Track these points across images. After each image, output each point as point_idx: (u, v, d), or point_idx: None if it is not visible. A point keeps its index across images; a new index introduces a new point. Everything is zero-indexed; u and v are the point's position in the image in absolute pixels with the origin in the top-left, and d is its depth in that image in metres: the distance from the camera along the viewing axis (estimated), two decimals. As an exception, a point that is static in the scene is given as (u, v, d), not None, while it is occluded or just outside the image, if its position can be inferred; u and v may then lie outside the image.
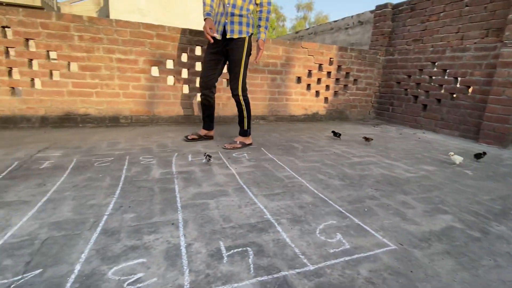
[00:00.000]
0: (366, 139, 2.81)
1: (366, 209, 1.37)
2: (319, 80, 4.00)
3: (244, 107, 2.46)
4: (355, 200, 1.47)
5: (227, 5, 2.25)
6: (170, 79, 3.30)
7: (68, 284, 0.79)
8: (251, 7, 2.34)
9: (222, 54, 2.40)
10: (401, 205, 1.45)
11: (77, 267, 0.86)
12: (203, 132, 2.63)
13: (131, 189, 1.47)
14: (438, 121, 3.62)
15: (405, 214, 1.36)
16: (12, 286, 0.77)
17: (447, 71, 3.54)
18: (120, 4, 10.20)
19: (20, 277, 0.81)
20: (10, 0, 16.23)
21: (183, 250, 0.97)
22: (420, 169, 2.08)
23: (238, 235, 1.08)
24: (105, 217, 1.17)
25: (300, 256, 0.97)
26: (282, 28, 34.00)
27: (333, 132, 2.96)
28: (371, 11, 4.75)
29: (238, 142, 2.46)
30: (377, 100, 4.53)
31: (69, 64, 2.82)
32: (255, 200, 1.41)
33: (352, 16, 5.29)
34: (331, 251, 1.01)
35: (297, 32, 7.50)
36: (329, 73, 4.03)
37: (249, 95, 3.58)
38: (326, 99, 4.13)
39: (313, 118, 4.11)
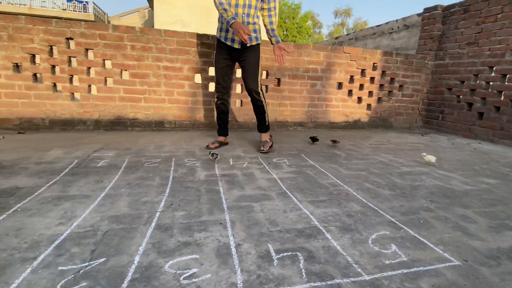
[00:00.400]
0: (334, 141, 2.80)
1: (421, 221, 1.29)
2: (361, 86, 3.89)
3: (264, 102, 2.50)
4: (408, 211, 1.39)
5: (243, 15, 2.30)
6: (212, 86, 3.42)
7: (130, 274, 0.84)
8: (259, 13, 2.42)
9: (233, 59, 2.47)
10: (461, 218, 1.34)
11: (136, 258, 0.91)
12: (221, 138, 2.66)
13: (179, 188, 1.54)
14: (497, 130, 3.30)
15: (466, 228, 1.25)
16: (81, 271, 0.84)
17: (507, 76, 3.24)
18: (164, 16, 10.90)
19: (87, 263, 0.88)
20: (68, 16, 18.18)
21: (233, 250, 0.99)
22: (479, 181, 1.91)
23: (286, 239, 1.07)
24: (158, 213, 1.23)
25: (354, 265, 0.94)
26: (319, 35, 33.77)
27: (311, 137, 2.89)
28: (419, 14, 4.53)
29: (268, 140, 2.51)
30: (425, 107, 4.27)
31: (121, 72, 3.07)
32: (300, 205, 1.39)
33: (397, 20, 5.09)
34: (387, 262, 0.96)
35: (336, 38, 7.39)
36: (372, 79, 3.90)
37: (288, 101, 3.63)
38: (369, 105, 3.99)
39: (354, 125, 3.99)
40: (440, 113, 4.05)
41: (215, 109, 2.68)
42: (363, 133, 3.67)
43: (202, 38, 3.16)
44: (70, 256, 0.91)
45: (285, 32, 25.22)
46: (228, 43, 2.38)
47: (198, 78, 3.31)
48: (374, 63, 3.85)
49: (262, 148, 2.46)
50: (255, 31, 2.37)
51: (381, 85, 3.97)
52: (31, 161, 1.91)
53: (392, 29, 5.17)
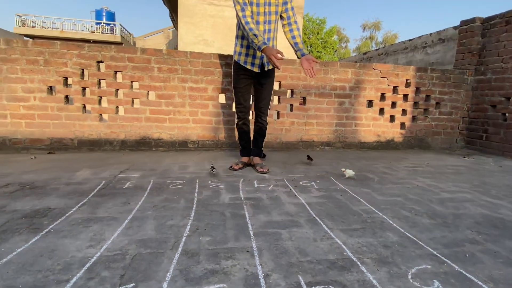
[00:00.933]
0: (308, 157, 2.84)
1: (467, 255, 1.23)
2: (394, 104, 3.83)
3: (265, 130, 2.69)
4: (451, 243, 1.33)
5: (264, 31, 2.39)
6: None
7: (158, 301, 0.87)
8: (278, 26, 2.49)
9: (252, 78, 2.56)
10: (515, 254, 1.26)
11: (164, 285, 0.95)
12: (245, 159, 2.72)
13: (204, 212, 1.58)
14: (554, 152, 3.09)
15: (522, 266, 1.17)
16: (111, 296, 0.89)
17: None
18: (188, 36, 11.53)
19: (117, 288, 0.92)
20: (96, 38, 19.72)
21: (262, 280, 0.99)
22: (535, 211, 1.79)
23: (317, 271, 1.07)
24: (184, 238, 1.27)
25: (392, 302, 0.91)
26: (345, 50, 33.88)
27: (308, 156, 2.89)
28: (455, 27, 4.47)
29: (264, 164, 2.62)
30: (466, 126, 4.10)
31: (148, 93, 3.26)
32: (331, 234, 1.38)
33: (431, 34, 5.04)
34: (430, 301, 0.93)
35: (364, 54, 7.40)
36: (405, 96, 3.84)
37: (314, 120, 3.65)
38: (402, 124, 3.91)
39: (387, 145, 3.90)
40: (483, 132, 3.87)
41: (236, 129, 2.77)
42: (397, 154, 3.57)
43: (226, 59, 3.31)
44: (100, 280, 0.96)
45: (309, 48, 25.59)
46: (248, 67, 2.48)
47: (222, 98, 3.44)
48: (407, 80, 3.80)
49: (262, 170, 2.51)
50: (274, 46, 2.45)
51: (416, 103, 3.89)
52: (62, 181, 2.06)
53: (426, 43, 5.12)
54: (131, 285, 0.94)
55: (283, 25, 2.50)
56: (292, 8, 2.47)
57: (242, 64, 2.48)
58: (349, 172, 2.38)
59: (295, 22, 2.46)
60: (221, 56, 3.32)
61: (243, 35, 2.44)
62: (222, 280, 0.99)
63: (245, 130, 2.70)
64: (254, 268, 1.07)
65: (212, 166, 2.45)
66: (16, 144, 3.08)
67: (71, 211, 1.53)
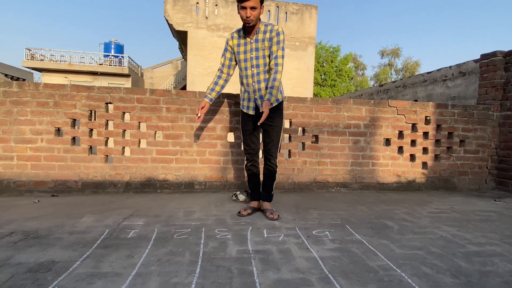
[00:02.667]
0: (235, 195, 3.14)
1: (493, 323, 1.22)
2: (413, 142, 3.89)
3: (275, 174, 2.75)
4: (476, 308, 1.33)
5: (253, 84, 2.64)
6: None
7: None
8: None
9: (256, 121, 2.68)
10: (548, 322, 1.25)
11: None
12: (254, 204, 2.78)
13: (210, 268, 1.64)
14: None
15: (555, 336, 1.16)
16: None
17: None
18: (197, 68, 12.17)
19: None
20: (104, 70, 20.90)
21: None
22: None
23: None
24: (189, 299, 1.33)
25: None
26: (362, 77, 34.60)
27: (234, 194, 3.15)
28: (475, 61, 4.62)
29: (274, 210, 2.69)
30: (495, 165, 4.09)
31: (155, 133, 3.45)
32: (344, 294, 1.40)
33: (450, 67, 5.20)
34: None
35: (381, 85, 7.61)
36: (426, 134, 3.91)
37: (327, 159, 3.73)
38: (424, 164, 3.93)
39: (408, 187, 3.90)
40: (515, 172, 3.84)
41: (245, 171, 2.88)
42: (420, 197, 3.56)
43: (235, 98, 3.51)
44: None
45: (323, 76, 26.30)
46: (244, 110, 2.76)
47: (231, 137, 3.59)
48: (426, 117, 3.89)
49: (272, 216, 2.57)
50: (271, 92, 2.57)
51: (438, 141, 3.94)
52: (65, 230, 2.16)
53: (446, 76, 5.26)
54: None
55: (269, 69, 2.63)
56: (278, 49, 2.56)
57: (241, 109, 2.79)
58: (241, 197, 2.88)
59: (276, 65, 2.54)
60: (230, 96, 3.52)
61: (241, 81, 2.75)
62: None
63: (254, 172, 2.80)
64: (261, 335, 1.10)
65: (234, 194, 2.99)
66: (20, 186, 3.25)
67: (75, 265, 1.62)
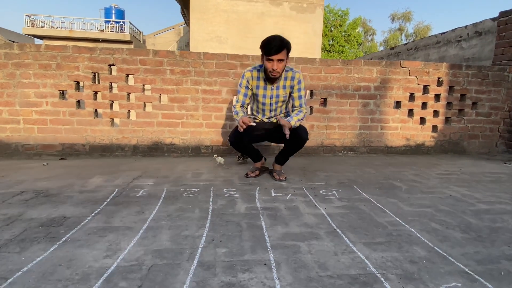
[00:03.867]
0: (239, 158, 3.12)
1: (502, 273, 1.23)
2: (424, 105, 3.80)
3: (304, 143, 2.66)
4: (485, 260, 1.33)
5: (270, 112, 2.60)
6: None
7: (176, 313, 0.94)
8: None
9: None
10: (558, 273, 1.25)
11: (182, 297, 1.02)
12: (258, 164, 2.76)
13: (219, 222, 1.65)
14: None
15: None
16: (130, 306, 0.97)
17: None
18: (200, 33, 11.77)
19: (134, 299, 1.00)
20: (106, 37, 20.43)
21: (280, 295, 1.05)
22: None
23: (338, 287, 1.11)
24: (200, 249, 1.34)
25: (417, 321, 0.94)
26: (372, 43, 33.43)
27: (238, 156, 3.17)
28: (493, 19, 4.37)
29: (282, 171, 2.66)
30: (507, 128, 3.99)
31: (160, 97, 3.39)
32: (353, 248, 1.41)
33: (466, 26, 4.94)
34: (459, 320, 0.95)
35: (392, 48, 7.33)
36: (437, 96, 3.80)
37: (335, 123, 3.67)
38: (434, 127, 3.85)
39: (417, 150, 3.86)
40: (528, 135, 3.75)
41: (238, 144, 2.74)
42: (429, 160, 3.53)
43: (242, 59, 3.40)
44: (118, 291, 1.04)
45: (331, 42, 25.45)
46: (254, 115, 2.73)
47: (237, 101, 3.52)
48: (439, 78, 3.75)
49: (278, 177, 2.56)
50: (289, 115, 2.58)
51: (449, 103, 3.84)
52: (75, 189, 2.19)
53: (461, 36, 5.02)
54: (149, 296, 1.02)
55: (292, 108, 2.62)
56: (300, 96, 2.52)
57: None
58: (219, 159, 2.87)
59: (300, 107, 2.53)
60: (236, 57, 3.40)
61: (257, 106, 2.65)
62: (239, 294, 1.05)
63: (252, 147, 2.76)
64: (271, 282, 1.12)
65: (239, 156, 3.04)
66: (29, 150, 3.28)
67: (86, 220, 1.64)
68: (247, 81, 2.50)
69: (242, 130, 2.30)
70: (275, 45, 2.23)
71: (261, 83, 2.49)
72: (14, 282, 1.08)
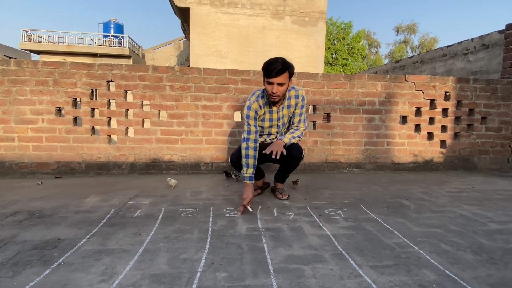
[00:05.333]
0: (294, 182, 2.92)
1: (518, 298, 1.22)
2: (431, 120, 3.82)
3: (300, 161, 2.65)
4: (498, 283, 1.32)
5: (276, 135, 2.61)
6: (253, 124, 3.65)
7: None
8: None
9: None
10: None
11: (180, 324, 1.01)
12: (260, 183, 2.78)
13: (219, 244, 1.65)
14: None
15: None
16: (125, 335, 0.96)
17: None
18: (200, 47, 12.03)
19: (130, 327, 1.00)
20: (104, 52, 20.84)
21: (283, 322, 1.04)
22: None
23: (343, 312, 1.10)
24: (199, 273, 1.34)
25: None
26: (376, 56, 33.89)
27: (225, 172, 3.18)
28: (500, 31, 4.46)
29: (285, 189, 2.69)
30: (519, 143, 4.00)
31: (159, 113, 3.44)
32: (359, 271, 1.40)
33: (472, 39, 5.03)
34: None
35: (397, 62, 7.43)
36: (445, 111, 3.83)
37: (340, 139, 3.69)
38: (443, 142, 3.87)
39: (426, 166, 3.86)
40: (541, 150, 3.75)
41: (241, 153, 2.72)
42: (438, 177, 3.52)
43: (242, 75, 3.46)
44: (114, 318, 1.04)
45: (334, 55, 25.84)
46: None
47: (237, 116, 3.56)
48: (445, 92, 3.80)
49: (281, 196, 2.57)
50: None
51: (457, 118, 3.86)
52: (70, 209, 2.20)
53: (467, 49, 5.10)
54: (145, 323, 1.02)
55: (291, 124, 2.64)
56: (301, 113, 2.56)
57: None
58: (173, 182, 2.84)
59: (298, 124, 2.56)
60: (237, 72, 3.47)
61: (261, 131, 2.61)
62: (240, 321, 1.04)
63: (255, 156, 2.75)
64: (274, 308, 1.12)
65: (230, 173, 3.12)
66: (23, 168, 3.30)
67: (81, 243, 1.64)
68: (256, 113, 2.43)
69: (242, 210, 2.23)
70: (275, 68, 2.23)
71: (267, 108, 2.47)
72: (5, 309, 1.08)
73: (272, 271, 1.38)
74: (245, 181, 2.32)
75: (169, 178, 2.89)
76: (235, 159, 2.56)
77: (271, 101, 2.40)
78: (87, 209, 2.22)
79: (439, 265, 1.47)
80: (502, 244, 1.73)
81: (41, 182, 3.02)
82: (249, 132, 2.39)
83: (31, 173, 3.32)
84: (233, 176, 3.18)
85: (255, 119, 2.42)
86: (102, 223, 1.95)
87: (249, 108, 2.40)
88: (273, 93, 2.29)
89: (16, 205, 2.28)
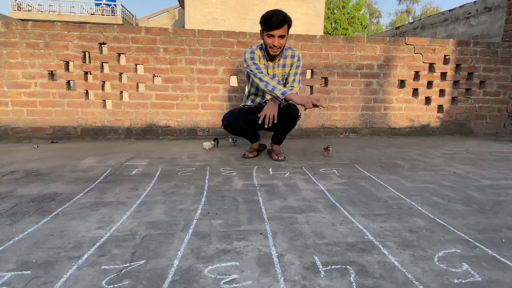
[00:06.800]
0: (325, 149, 2.74)
1: (503, 240, 1.26)
2: (429, 84, 3.79)
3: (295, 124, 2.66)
4: (487, 229, 1.36)
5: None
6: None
7: (170, 276, 0.97)
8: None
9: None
10: (560, 240, 1.28)
11: (176, 262, 1.05)
12: (256, 145, 2.78)
13: (215, 197, 1.68)
14: None
15: None
16: (123, 271, 0.99)
17: None
18: (196, 15, 11.66)
19: (128, 264, 1.03)
20: (96, 20, 20.22)
21: (275, 259, 1.08)
22: None
23: (334, 253, 1.14)
24: (195, 221, 1.37)
25: (414, 282, 0.97)
26: (377, 26, 33.11)
27: (215, 138, 3.03)
28: (504, -8, 4.32)
29: (281, 151, 2.69)
30: (516, 108, 4.00)
31: (153, 77, 3.39)
32: (351, 219, 1.44)
33: (475, 2, 4.89)
34: (455, 281, 0.98)
35: (397, 28, 7.26)
36: (444, 75, 3.79)
37: (337, 104, 3.67)
38: (440, 107, 3.86)
39: (422, 131, 3.87)
40: (538, 114, 3.76)
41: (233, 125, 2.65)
42: (434, 141, 3.54)
43: (238, 37, 3.38)
44: (111, 257, 1.07)
45: (333, 25, 25.18)
46: (249, 103, 2.71)
47: (234, 81, 3.52)
48: (445, 56, 3.74)
49: (277, 157, 2.58)
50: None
51: (456, 82, 3.83)
52: (66, 169, 2.21)
53: (469, 13, 4.97)
54: (142, 261, 1.05)
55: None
56: (296, 73, 2.51)
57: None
58: (207, 145, 2.86)
59: (292, 85, 2.52)
60: (233, 34, 3.38)
61: (256, 90, 2.61)
62: (234, 259, 1.07)
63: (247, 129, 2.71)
64: (267, 248, 1.15)
65: (215, 138, 2.97)
66: (18, 133, 3.29)
67: (78, 196, 1.67)
68: (254, 58, 2.38)
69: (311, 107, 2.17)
70: (276, 20, 2.20)
71: (262, 61, 2.45)
72: (5, 250, 1.11)
73: (266, 219, 1.42)
74: (273, 95, 2.28)
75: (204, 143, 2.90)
76: (227, 122, 2.54)
77: (269, 55, 2.40)
78: (84, 168, 2.24)
79: (430, 214, 1.51)
80: (493, 197, 1.77)
81: (37, 146, 3.02)
82: (258, 68, 2.35)
83: (26, 138, 3.31)
84: (230, 140, 3.18)
85: (255, 64, 2.37)
86: (99, 180, 1.97)
87: (252, 53, 2.38)
88: (274, 46, 2.28)
89: (13, 166, 2.29)
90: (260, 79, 2.31)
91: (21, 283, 0.93)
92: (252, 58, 2.38)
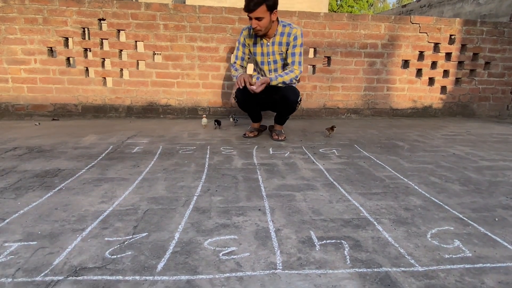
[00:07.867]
0: (330, 129, 2.70)
1: (497, 219, 1.29)
2: (434, 64, 3.75)
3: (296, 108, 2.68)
4: (481, 208, 1.39)
5: (269, 74, 2.59)
6: (250, 67, 3.58)
7: (171, 247, 1.01)
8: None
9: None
10: (552, 220, 1.31)
11: (176, 235, 1.09)
12: (257, 125, 2.80)
13: (215, 175, 1.71)
14: None
15: (557, 230, 1.22)
16: (126, 242, 1.04)
17: None
18: (197, -10, 11.35)
19: (130, 236, 1.07)
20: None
21: (273, 234, 1.12)
22: None
23: (330, 228, 1.18)
24: (195, 197, 1.41)
25: (406, 256, 1.01)
26: (384, 4, 32.30)
27: (215, 120, 2.99)
28: (516, -31, 4.20)
29: (283, 131, 2.70)
30: (521, 90, 3.97)
31: (154, 54, 3.36)
32: (348, 197, 1.47)
33: (485, -21, 4.75)
34: (446, 256, 1.02)
35: (403, 6, 7.10)
36: (448, 55, 3.74)
37: (339, 84, 3.65)
38: (443, 88, 3.83)
39: (424, 112, 3.87)
40: (542, 97, 3.74)
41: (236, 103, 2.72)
42: (435, 122, 3.55)
43: (240, 13, 3.32)
44: (114, 230, 1.12)
45: (339, 2, 24.58)
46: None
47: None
48: (451, 35, 3.68)
49: (277, 137, 2.59)
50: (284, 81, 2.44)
51: (460, 63, 3.79)
52: (69, 146, 2.25)
53: (479, -9, 4.85)
54: (144, 234, 1.09)
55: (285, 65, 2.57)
56: (295, 53, 2.44)
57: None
58: (204, 121, 2.94)
59: (292, 66, 2.47)
60: (234, 10, 3.33)
61: (257, 69, 2.73)
62: (233, 233, 1.12)
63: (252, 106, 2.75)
64: (265, 223, 1.19)
65: (215, 120, 2.94)
66: (19, 110, 3.31)
67: (81, 172, 1.70)
68: (244, 39, 2.52)
69: (241, 87, 2.31)
70: (248, 3, 2.20)
71: (257, 39, 2.49)
72: (11, 222, 1.15)
73: (265, 196, 1.45)
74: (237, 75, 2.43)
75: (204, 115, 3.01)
76: (241, 96, 2.54)
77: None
78: (86, 145, 2.27)
79: (426, 194, 1.54)
80: (490, 177, 1.80)
81: (39, 123, 3.04)
82: (236, 57, 2.59)
83: (28, 115, 3.33)
84: (231, 119, 3.18)
85: (243, 45, 2.54)
86: (101, 157, 2.00)
87: (240, 33, 2.55)
88: (253, 28, 2.32)
89: (15, 142, 2.32)
90: (236, 57, 2.58)
91: (28, 253, 0.97)
92: (238, 41, 2.57)
